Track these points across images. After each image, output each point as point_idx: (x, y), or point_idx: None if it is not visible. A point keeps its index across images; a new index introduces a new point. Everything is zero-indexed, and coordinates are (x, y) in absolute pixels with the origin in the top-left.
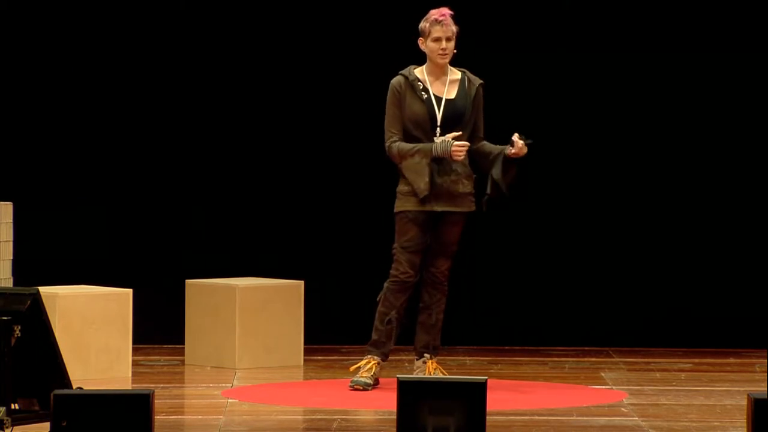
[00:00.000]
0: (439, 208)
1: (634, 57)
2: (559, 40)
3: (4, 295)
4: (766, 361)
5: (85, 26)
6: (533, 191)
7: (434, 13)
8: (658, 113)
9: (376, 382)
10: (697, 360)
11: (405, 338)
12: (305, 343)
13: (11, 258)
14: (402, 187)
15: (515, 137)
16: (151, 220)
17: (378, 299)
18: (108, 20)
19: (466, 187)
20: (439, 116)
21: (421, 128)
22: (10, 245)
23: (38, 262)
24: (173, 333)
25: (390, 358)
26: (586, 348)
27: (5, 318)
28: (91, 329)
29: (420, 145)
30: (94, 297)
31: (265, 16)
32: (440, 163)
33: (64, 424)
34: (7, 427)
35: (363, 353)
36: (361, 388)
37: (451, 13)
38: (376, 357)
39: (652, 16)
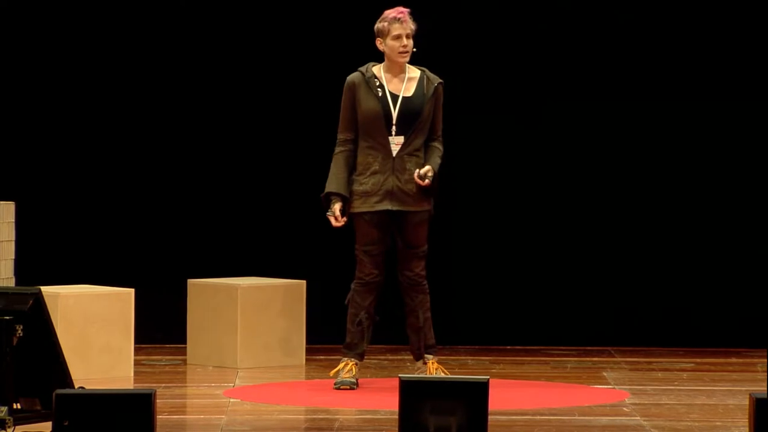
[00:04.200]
0: (393, 207)
1: (631, 65)
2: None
3: (6, 294)
4: (767, 360)
5: (85, 26)
6: (534, 191)
7: (392, 12)
8: (658, 115)
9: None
10: (698, 360)
11: (405, 338)
12: (307, 343)
13: (13, 257)
14: (356, 187)
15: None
16: (154, 219)
17: (346, 302)
18: (108, 20)
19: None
20: (394, 114)
21: (376, 126)
22: (12, 245)
23: (40, 262)
24: (175, 332)
25: (391, 357)
26: (588, 348)
27: (7, 317)
28: (93, 329)
29: (331, 185)
30: (96, 296)
31: (264, 17)
32: (394, 161)
33: (66, 423)
34: (9, 427)
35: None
36: (348, 387)
37: (409, 10)
38: (352, 359)
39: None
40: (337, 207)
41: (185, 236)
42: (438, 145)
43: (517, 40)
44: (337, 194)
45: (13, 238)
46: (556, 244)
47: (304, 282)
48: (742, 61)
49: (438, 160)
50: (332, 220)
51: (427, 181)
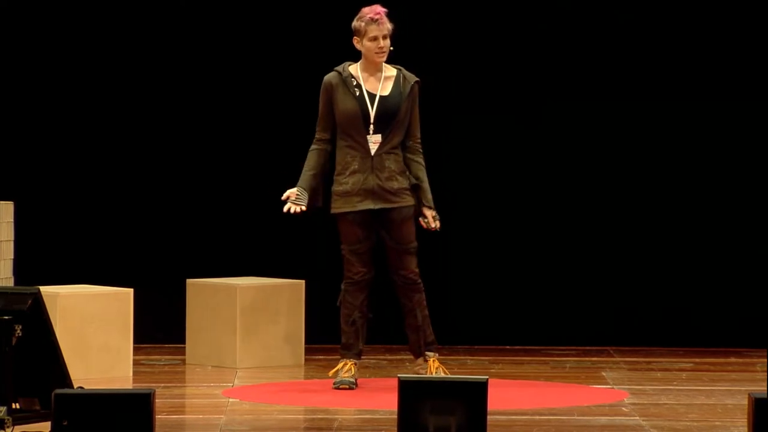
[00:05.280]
0: (376, 206)
1: (631, 65)
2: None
3: (5, 294)
4: (766, 360)
5: (85, 26)
6: (534, 191)
7: (368, 12)
8: (658, 115)
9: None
10: (698, 359)
11: (403, 337)
12: (306, 343)
13: (12, 257)
14: (336, 188)
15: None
16: (152, 219)
17: (338, 303)
18: (108, 20)
19: (401, 183)
20: (372, 113)
21: (354, 125)
22: (11, 245)
23: (39, 262)
24: (174, 332)
25: (390, 357)
26: (587, 347)
27: (6, 317)
28: (91, 328)
29: (302, 178)
30: (95, 296)
31: (259, 18)
32: (373, 160)
33: (65, 423)
34: (8, 427)
35: (338, 358)
36: (347, 386)
37: (386, 10)
38: (351, 359)
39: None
40: (291, 189)
41: (184, 236)
42: (420, 160)
43: (517, 40)
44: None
45: (12, 237)
46: (555, 243)
47: (303, 282)
48: (742, 61)
49: (427, 183)
50: (291, 197)
51: (438, 223)
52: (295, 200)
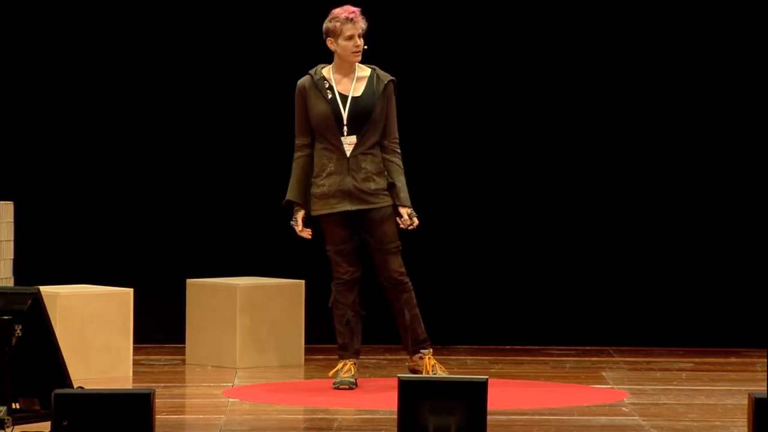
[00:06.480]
0: (353, 208)
1: (631, 65)
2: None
3: (5, 294)
4: (766, 360)
5: (85, 26)
6: (534, 191)
7: (342, 12)
8: (658, 115)
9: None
10: (698, 359)
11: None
12: (306, 343)
13: (12, 257)
14: (314, 190)
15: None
16: (152, 219)
17: (330, 305)
18: (108, 20)
19: (378, 183)
20: (344, 115)
21: (328, 128)
22: (11, 245)
23: (39, 262)
24: (174, 332)
25: (390, 357)
26: (587, 347)
27: (6, 317)
28: (91, 328)
29: (291, 192)
30: (95, 296)
31: (264, 19)
32: (349, 162)
33: (65, 423)
34: (8, 427)
35: (337, 359)
36: (347, 387)
37: (359, 9)
38: (349, 358)
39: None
40: (299, 216)
41: (184, 236)
42: (396, 160)
43: (517, 40)
44: (298, 203)
45: (12, 237)
46: (555, 243)
47: (302, 282)
48: (742, 61)
49: (403, 182)
50: (296, 228)
51: (415, 220)
52: (302, 230)
